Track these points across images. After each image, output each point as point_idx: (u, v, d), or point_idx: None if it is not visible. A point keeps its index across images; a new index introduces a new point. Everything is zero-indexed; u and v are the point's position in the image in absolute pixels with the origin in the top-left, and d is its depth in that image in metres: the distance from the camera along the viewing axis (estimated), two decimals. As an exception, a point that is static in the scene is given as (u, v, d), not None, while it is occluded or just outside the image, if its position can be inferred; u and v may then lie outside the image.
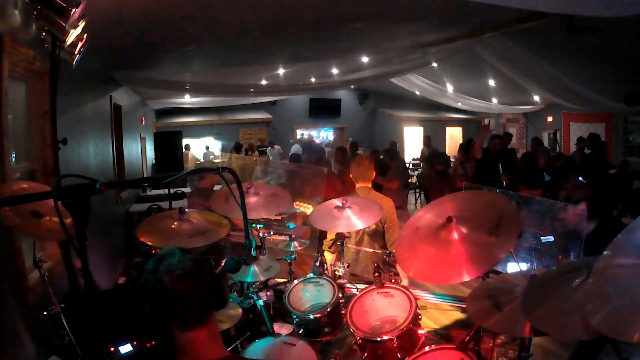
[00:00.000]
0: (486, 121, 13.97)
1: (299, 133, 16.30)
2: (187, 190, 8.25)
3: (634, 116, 10.07)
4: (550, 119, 12.47)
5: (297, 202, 4.89)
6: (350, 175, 3.51)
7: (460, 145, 9.21)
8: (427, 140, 12.86)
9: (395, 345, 2.00)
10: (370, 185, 3.47)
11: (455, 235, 1.94)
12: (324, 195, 4.51)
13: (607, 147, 9.39)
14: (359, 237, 3.38)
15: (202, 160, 13.00)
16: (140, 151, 9.55)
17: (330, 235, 3.21)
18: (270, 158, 12.22)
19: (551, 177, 6.55)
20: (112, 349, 2.07)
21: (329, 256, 3.33)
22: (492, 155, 6.54)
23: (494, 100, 11.52)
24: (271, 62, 7.45)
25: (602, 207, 3.04)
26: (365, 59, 7.46)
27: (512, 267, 2.74)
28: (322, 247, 3.31)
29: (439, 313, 2.74)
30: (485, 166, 6.50)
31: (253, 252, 1.63)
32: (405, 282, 3.04)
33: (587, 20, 4.90)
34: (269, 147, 13.55)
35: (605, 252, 1.20)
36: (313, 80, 8.70)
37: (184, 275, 1.21)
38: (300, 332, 2.36)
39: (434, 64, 8.17)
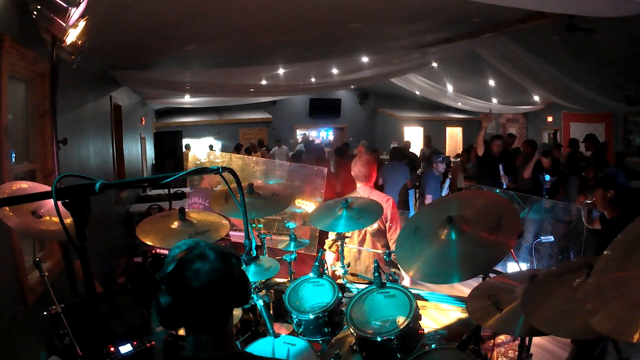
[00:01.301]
0: (498, 121, 13.70)
1: (299, 133, 16.28)
2: (187, 190, 8.24)
3: (634, 116, 10.06)
4: (550, 119, 12.46)
5: (298, 200, 4.87)
6: (353, 174, 3.50)
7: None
8: (427, 140, 12.85)
9: (395, 345, 2.00)
10: (372, 184, 3.47)
11: (456, 235, 1.94)
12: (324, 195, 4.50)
13: (608, 147, 9.39)
14: (361, 237, 3.38)
15: (202, 160, 12.94)
16: (140, 151, 9.55)
17: (332, 235, 3.21)
18: (277, 158, 12.03)
19: (556, 176, 6.51)
20: (112, 349, 2.07)
21: (331, 256, 3.33)
22: (493, 155, 6.52)
23: (494, 100, 11.51)
24: (271, 62, 7.45)
25: (628, 199, 3.06)
26: (365, 59, 7.45)
27: (512, 267, 2.74)
28: (322, 247, 3.31)
29: (439, 313, 2.74)
30: (486, 166, 6.48)
31: (253, 252, 1.63)
32: (407, 282, 3.04)
33: (587, 20, 4.90)
34: (276, 147, 13.24)
35: (605, 252, 1.20)
36: (313, 80, 8.70)
37: (209, 289, 1.15)
38: (300, 332, 2.36)
39: (434, 64, 8.17)
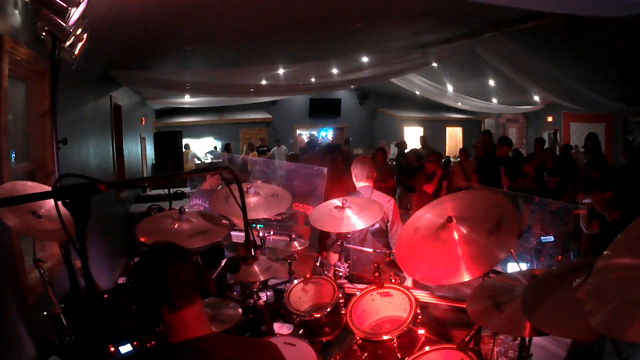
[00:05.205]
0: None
1: (299, 133, 16.27)
2: (187, 190, 8.23)
3: (634, 116, 10.05)
4: (550, 119, 12.45)
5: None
6: (353, 174, 3.50)
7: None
8: (423, 141, 12.82)
9: (395, 345, 2.00)
10: (372, 184, 3.47)
11: (455, 235, 1.94)
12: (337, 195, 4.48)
13: (610, 147, 9.38)
14: (362, 236, 3.38)
15: (201, 161, 12.95)
16: (140, 151, 9.55)
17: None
18: (276, 158, 11.96)
19: (559, 176, 6.47)
20: (112, 349, 2.06)
21: (335, 256, 3.32)
22: (496, 158, 6.46)
23: (494, 100, 11.50)
24: (271, 62, 7.45)
25: (629, 198, 3.04)
26: (365, 59, 7.46)
27: (512, 267, 2.74)
28: (323, 247, 3.31)
29: (439, 313, 2.74)
30: (488, 168, 6.43)
31: (253, 252, 1.63)
32: (408, 282, 3.03)
33: (587, 20, 4.90)
34: (275, 147, 13.13)
35: (605, 252, 1.20)
36: (313, 80, 8.69)
37: (173, 262, 1.33)
38: (300, 332, 2.36)
39: (434, 64, 8.17)
